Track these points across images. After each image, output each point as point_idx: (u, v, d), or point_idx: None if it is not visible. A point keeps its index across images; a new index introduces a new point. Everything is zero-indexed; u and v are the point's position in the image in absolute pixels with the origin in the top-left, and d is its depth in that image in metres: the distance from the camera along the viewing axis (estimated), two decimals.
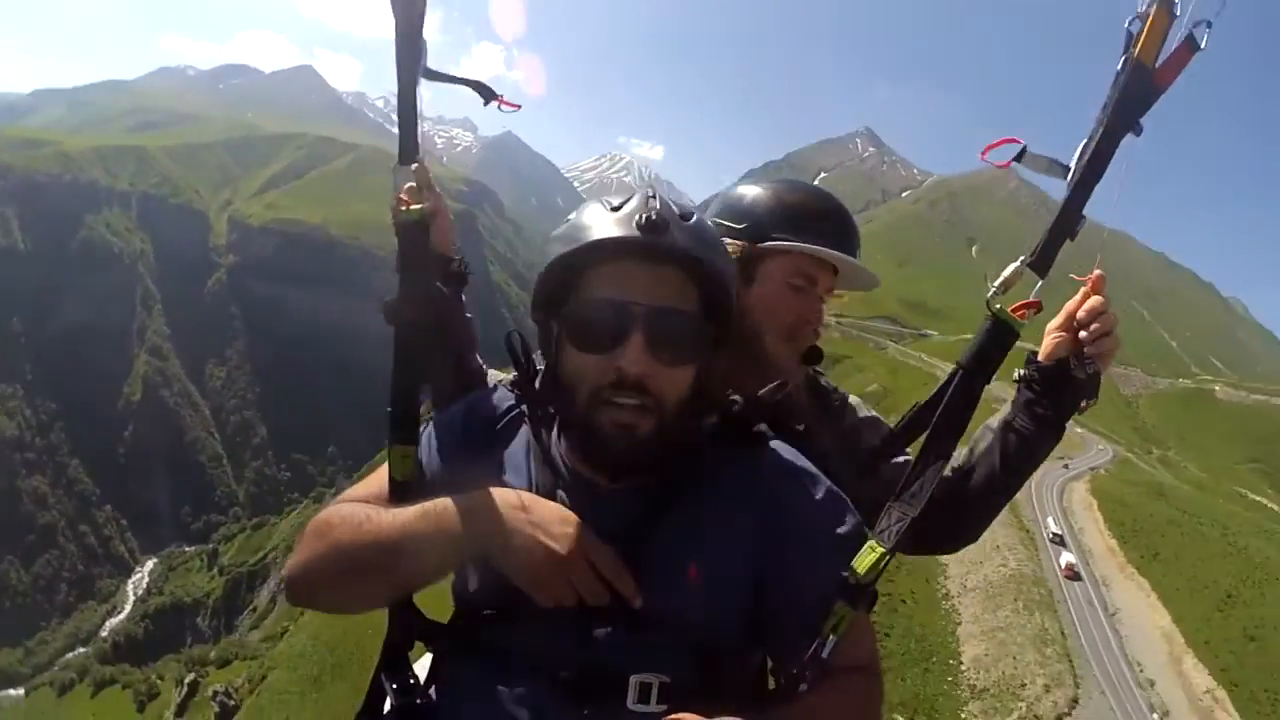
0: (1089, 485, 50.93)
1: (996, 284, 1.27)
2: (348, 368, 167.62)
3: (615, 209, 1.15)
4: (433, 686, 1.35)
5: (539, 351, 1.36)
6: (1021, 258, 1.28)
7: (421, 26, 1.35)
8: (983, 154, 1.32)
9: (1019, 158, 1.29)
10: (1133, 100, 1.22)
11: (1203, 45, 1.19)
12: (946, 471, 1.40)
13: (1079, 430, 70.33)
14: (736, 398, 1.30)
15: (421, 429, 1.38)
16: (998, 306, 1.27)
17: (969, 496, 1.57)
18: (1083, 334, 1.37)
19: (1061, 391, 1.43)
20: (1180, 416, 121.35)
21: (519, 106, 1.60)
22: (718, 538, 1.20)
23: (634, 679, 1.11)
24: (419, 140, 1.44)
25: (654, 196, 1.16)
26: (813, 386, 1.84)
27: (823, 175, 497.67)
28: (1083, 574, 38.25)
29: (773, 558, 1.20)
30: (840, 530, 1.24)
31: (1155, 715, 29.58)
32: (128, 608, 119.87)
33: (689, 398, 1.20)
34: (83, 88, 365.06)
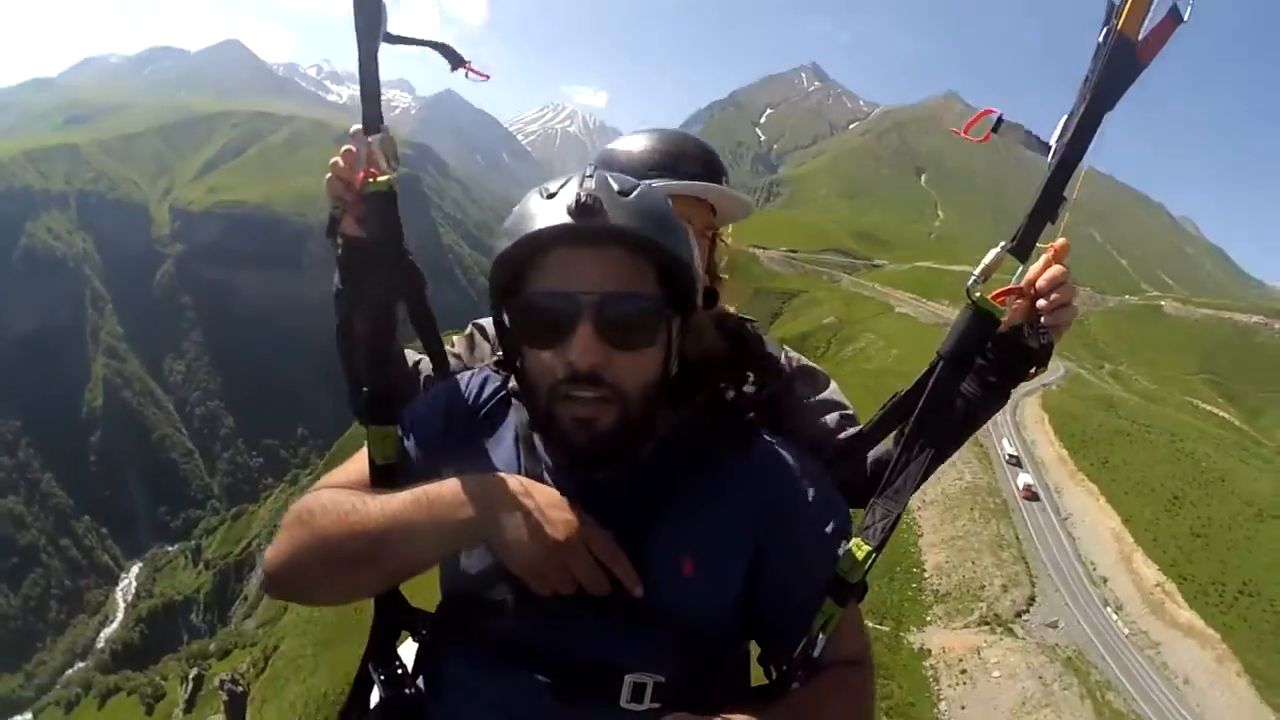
0: (1040, 401, 52.36)
1: (977, 272, 1.25)
2: (306, 344, 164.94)
3: (551, 195, 1.11)
4: (420, 677, 1.32)
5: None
6: (1002, 243, 1.25)
7: None
8: (964, 130, 1.30)
9: (996, 128, 1.26)
10: (1116, 75, 1.18)
11: (1186, 17, 1.15)
12: (874, 426, 1.45)
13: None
14: (726, 387, 1.28)
15: (402, 413, 1.35)
16: (978, 294, 1.24)
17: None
18: (1041, 303, 1.33)
19: (1014, 360, 1.37)
20: (1131, 332, 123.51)
21: (488, 76, 1.55)
22: (712, 532, 1.18)
23: (628, 678, 1.10)
24: (380, 106, 1.38)
25: (590, 176, 1.11)
26: (739, 335, 1.77)
27: (769, 112, 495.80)
28: (1040, 494, 39.63)
29: (764, 554, 1.19)
30: (830, 528, 1.23)
31: (1109, 609, 31.65)
32: (119, 615, 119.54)
33: (656, 381, 1.16)
34: (6, 90, 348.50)
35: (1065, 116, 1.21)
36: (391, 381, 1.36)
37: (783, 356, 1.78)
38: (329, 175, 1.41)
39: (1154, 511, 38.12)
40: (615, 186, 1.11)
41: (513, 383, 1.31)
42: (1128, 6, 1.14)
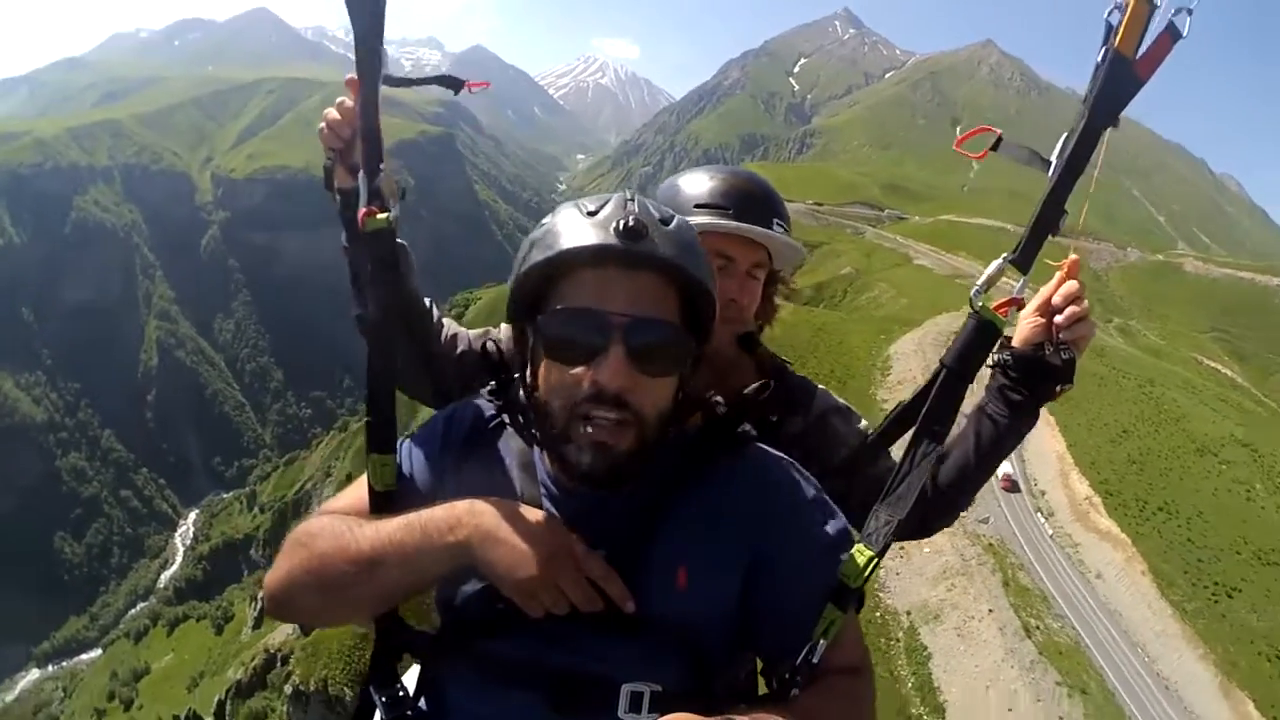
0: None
1: (980, 282, 1.26)
2: (347, 300, 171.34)
3: (592, 213, 1.11)
4: (422, 699, 1.34)
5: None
6: (1004, 255, 1.26)
7: (381, 38, 1.34)
8: (957, 144, 1.32)
9: (995, 147, 1.28)
10: (1113, 93, 1.19)
11: (1184, 33, 1.16)
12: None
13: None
14: (719, 399, 1.28)
15: (401, 441, 1.38)
16: (980, 304, 1.26)
17: (941, 485, 1.55)
18: (1058, 319, 1.35)
19: (1037, 378, 1.40)
20: (1148, 288, 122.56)
21: (488, 84, 1.57)
22: (707, 543, 1.18)
23: (625, 688, 1.10)
24: (381, 146, 1.42)
25: (632, 200, 1.13)
26: (780, 376, 1.82)
27: (803, 61, 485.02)
28: (1020, 486, 39.34)
29: (762, 563, 1.19)
30: (828, 534, 1.23)
31: (1039, 514, 35.75)
32: (179, 558, 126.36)
33: (670, 409, 1.17)
34: (39, 70, 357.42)
35: (1066, 134, 1.23)
36: (393, 411, 1.37)
37: (819, 391, 1.86)
38: (321, 126, 1.48)
39: (1099, 440, 41.45)
40: (656, 215, 1.13)
41: (506, 413, 1.32)
42: (1123, 27, 1.16)
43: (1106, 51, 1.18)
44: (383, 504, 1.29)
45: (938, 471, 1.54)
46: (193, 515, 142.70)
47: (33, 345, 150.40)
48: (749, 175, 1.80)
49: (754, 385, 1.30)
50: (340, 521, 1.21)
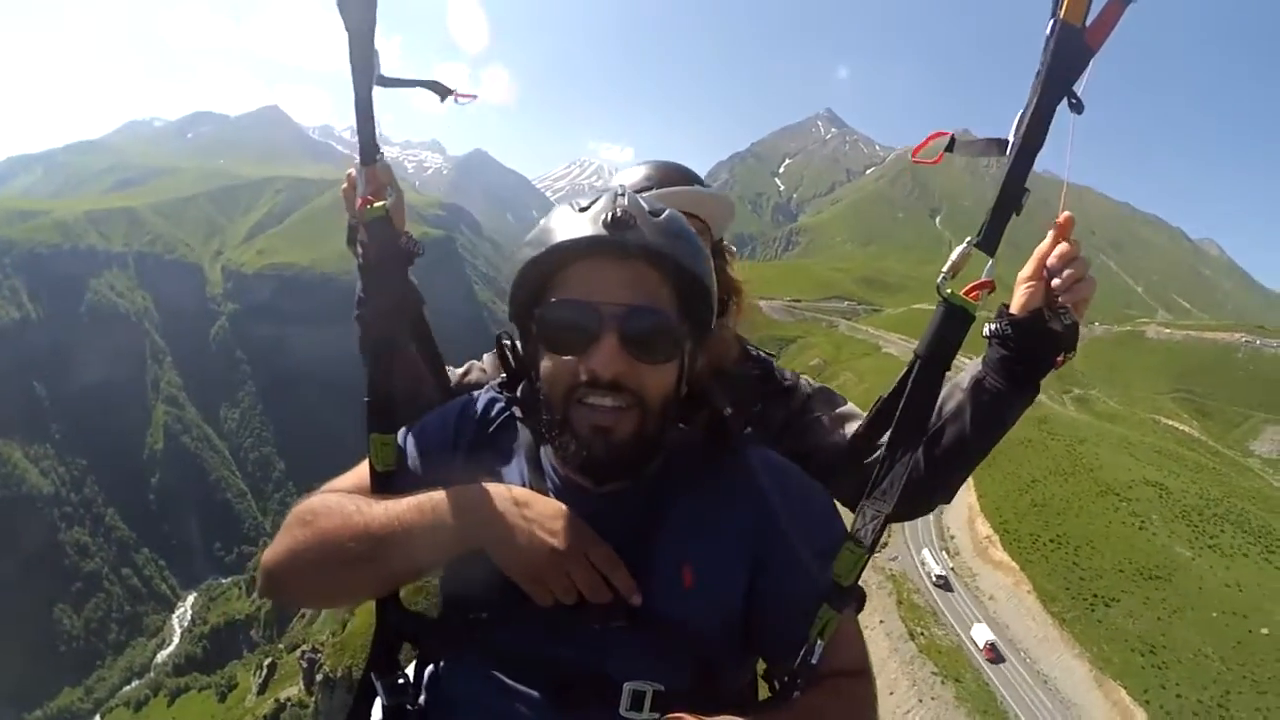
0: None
1: (945, 269, 1.24)
2: (353, 393, 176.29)
3: (583, 209, 1.13)
4: (423, 687, 1.33)
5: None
6: (968, 238, 1.24)
7: (373, 36, 1.37)
8: (913, 155, 1.32)
9: (949, 148, 1.27)
10: (1064, 64, 1.16)
11: None
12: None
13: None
14: (725, 402, 1.27)
15: (411, 425, 1.40)
16: (949, 291, 1.23)
17: (937, 460, 1.48)
18: (1055, 281, 1.31)
19: (1037, 345, 1.34)
20: (1111, 358, 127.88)
21: (475, 96, 1.59)
22: (711, 543, 1.19)
23: (627, 686, 1.10)
24: (377, 142, 1.46)
25: (622, 194, 1.14)
26: (758, 365, 1.86)
27: (788, 161, 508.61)
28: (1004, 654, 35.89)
29: (763, 563, 1.19)
30: (828, 536, 1.22)
31: (944, 553, 41.09)
32: (175, 639, 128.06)
33: (672, 396, 1.17)
34: (55, 150, 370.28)
35: (1020, 111, 1.20)
36: (393, 391, 1.38)
37: (801, 381, 1.86)
38: (343, 187, 1.50)
39: (1007, 490, 46.95)
40: (646, 207, 1.14)
41: (516, 406, 1.31)
42: None
43: (1054, 22, 1.14)
44: (383, 484, 1.29)
45: (935, 449, 1.48)
46: (191, 598, 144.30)
47: (43, 419, 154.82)
48: (666, 161, 1.85)
49: (759, 405, 1.29)
50: (347, 499, 1.21)
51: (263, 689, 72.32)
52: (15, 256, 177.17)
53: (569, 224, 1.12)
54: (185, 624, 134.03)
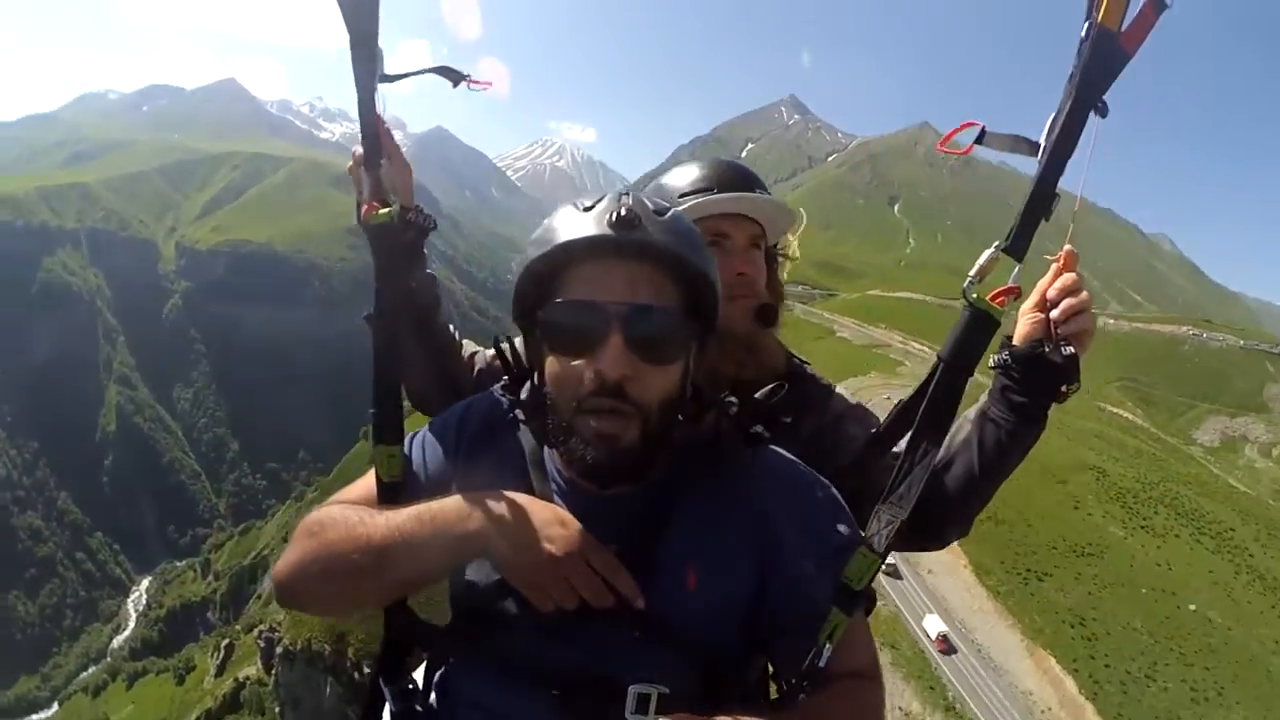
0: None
1: (972, 273, 1.23)
2: (306, 375, 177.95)
3: (588, 209, 1.12)
4: (431, 692, 1.35)
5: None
6: (996, 243, 1.22)
7: (376, 35, 1.36)
8: (940, 145, 1.30)
9: (980, 139, 1.24)
10: (1099, 69, 1.16)
11: (1169, 2, 1.13)
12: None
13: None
14: (733, 400, 1.24)
15: (415, 433, 1.40)
16: (974, 295, 1.22)
17: (948, 493, 1.47)
18: (1054, 313, 1.31)
19: (1038, 377, 1.34)
20: None
21: (490, 84, 1.56)
22: (717, 545, 1.19)
23: (632, 689, 1.09)
24: (380, 142, 1.44)
25: (627, 194, 1.14)
26: (796, 375, 1.83)
27: (750, 146, 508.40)
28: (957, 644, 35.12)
29: (771, 565, 1.19)
30: (837, 537, 1.22)
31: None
32: (131, 623, 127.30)
33: (676, 399, 1.16)
34: (7, 124, 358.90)
35: (1053, 115, 1.19)
36: (398, 408, 1.39)
37: (836, 394, 1.83)
38: (350, 164, 1.50)
39: None
40: (651, 206, 1.14)
41: (518, 409, 1.28)
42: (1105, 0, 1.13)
43: (1090, 26, 1.14)
44: (390, 495, 1.30)
45: (945, 480, 1.47)
46: (145, 582, 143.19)
47: None
48: (726, 159, 1.83)
49: (766, 389, 1.27)
50: (351, 511, 1.22)
51: (220, 670, 72.40)
52: None
53: (573, 224, 1.11)
54: (141, 608, 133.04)
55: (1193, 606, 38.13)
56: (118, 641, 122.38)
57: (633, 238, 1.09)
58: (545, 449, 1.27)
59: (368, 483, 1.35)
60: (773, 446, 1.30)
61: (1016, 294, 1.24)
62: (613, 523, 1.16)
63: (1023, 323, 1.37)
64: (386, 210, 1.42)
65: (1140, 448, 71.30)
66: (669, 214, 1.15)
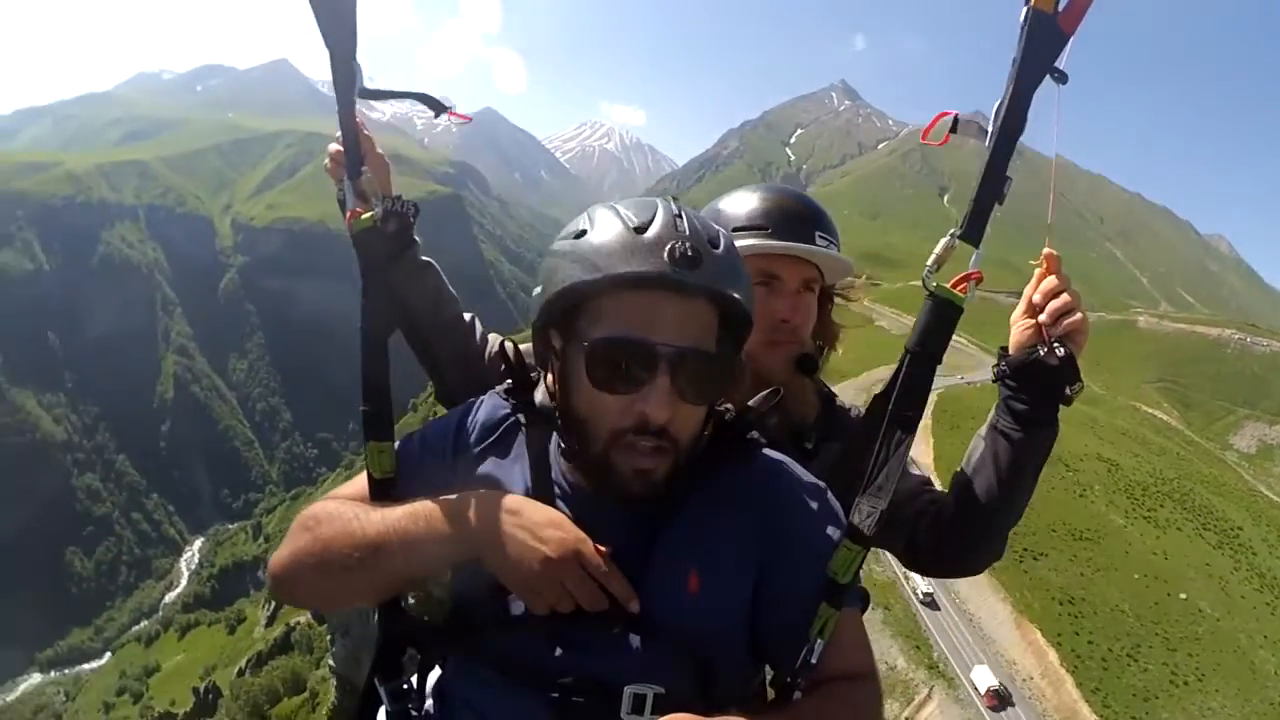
0: (939, 390, 59.47)
1: (929, 262, 1.24)
2: (357, 350, 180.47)
3: (639, 230, 1.07)
4: (426, 693, 1.35)
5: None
6: (950, 231, 1.23)
7: (354, 54, 1.39)
8: (923, 136, 1.31)
9: (953, 129, 1.25)
10: (1038, 51, 1.17)
11: None
12: (948, 488, 1.43)
13: (973, 349, 77.67)
14: (728, 406, 1.26)
15: (415, 431, 1.40)
16: (934, 284, 1.23)
17: (974, 513, 1.45)
18: (1042, 317, 1.33)
19: (1037, 382, 1.35)
20: (1100, 345, 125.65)
21: (469, 118, 1.57)
22: (715, 547, 1.18)
23: (628, 690, 1.09)
24: (360, 154, 1.48)
25: (680, 216, 1.10)
26: (827, 406, 1.79)
27: (799, 132, 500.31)
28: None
29: (768, 567, 1.19)
30: (829, 537, 1.22)
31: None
32: (183, 581, 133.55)
33: (701, 430, 1.18)
34: (65, 102, 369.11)
35: (999, 100, 1.21)
36: (388, 398, 1.38)
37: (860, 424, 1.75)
38: (326, 162, 1.54)
39: (960, 452, 50.14)
40: (705, 236, 1.10)
41: (522, 413, 1.30)
42: None
43: (1027, 9, 1.17)
44: (381, 491, 1.30)
45: (968, 500, 1.46)
46: (198, 543, 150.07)
47: (56, 368, 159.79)
48: (790, 192, 1.77)
49: (761, 394, 1.28)
50: (347, 506, 1.22)
51: (271, 620, 75.81)
52: (28, 208, 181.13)
53: (625, 249, 1.05)
54: (193, 567, 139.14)
55: (1184, 595, 39.36)
56: (170, 597, 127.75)
57: (693, 280, 1.05)
58: (550, 451, 1.26)
59: (363, 479, 1.36)
60: (767, 450, 1.30)
61: (978, 279, 1.24)
62: (614, 526, 1.15)
63: (1015, 331, 1.39)
64: (369, 215, 1.44)
65: (1166, 446, 71.05)
66: (722, 246, 1.12)
